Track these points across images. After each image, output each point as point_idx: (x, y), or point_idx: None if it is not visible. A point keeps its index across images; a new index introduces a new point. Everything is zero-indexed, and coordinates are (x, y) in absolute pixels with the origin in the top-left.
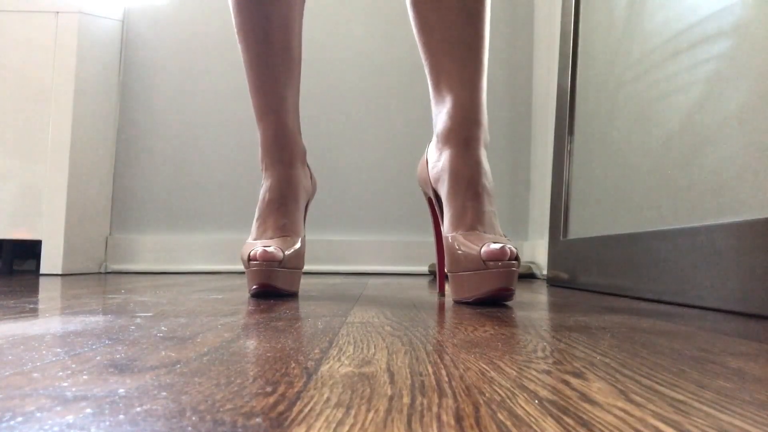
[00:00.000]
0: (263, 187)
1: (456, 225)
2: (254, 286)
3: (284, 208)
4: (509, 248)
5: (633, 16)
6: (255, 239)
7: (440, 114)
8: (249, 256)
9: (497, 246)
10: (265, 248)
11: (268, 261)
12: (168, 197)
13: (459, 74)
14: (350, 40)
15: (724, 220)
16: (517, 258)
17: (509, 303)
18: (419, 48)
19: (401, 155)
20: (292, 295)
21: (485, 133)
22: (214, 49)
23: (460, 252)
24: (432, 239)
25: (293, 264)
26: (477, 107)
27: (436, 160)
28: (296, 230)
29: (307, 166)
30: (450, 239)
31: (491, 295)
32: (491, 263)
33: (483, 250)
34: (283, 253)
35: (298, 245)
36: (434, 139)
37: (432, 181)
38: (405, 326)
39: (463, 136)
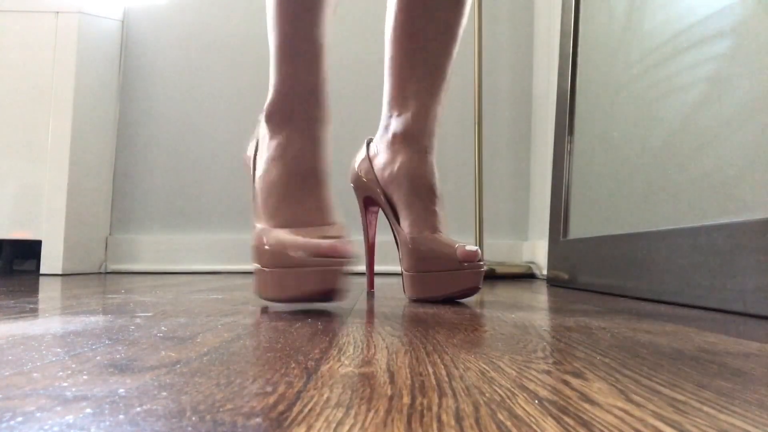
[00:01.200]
0: (277, 149)
1: (421, 227)
2: (313, 290)
3: (325, 183)
4: (479, 250)
5: (633, 16)
6: (286, 225)
7: (400, 117)
8: (312, 249)
9: (473, 248)
10: (337, 240)
11: (340, 258)
12: (168, 197)
13: (429, 83)
14: (350, 40)
15: (724, 220)
16: (482, 259)
17: (520, 301)
18: (390, 47)
19: None
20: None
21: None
22: (214, 49)
23: (433, 252)
24: None
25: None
26: (437, 117)
27: (389, 162)
28: (336, 215)
29: None
30: (417, 240)
31: (465, 292)
32: (467, 264)
33: (460, 251)
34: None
35: (348, 234)
36: (385, 139)
37: (381, 182)
38: (405, 326)
39: (424, 143)
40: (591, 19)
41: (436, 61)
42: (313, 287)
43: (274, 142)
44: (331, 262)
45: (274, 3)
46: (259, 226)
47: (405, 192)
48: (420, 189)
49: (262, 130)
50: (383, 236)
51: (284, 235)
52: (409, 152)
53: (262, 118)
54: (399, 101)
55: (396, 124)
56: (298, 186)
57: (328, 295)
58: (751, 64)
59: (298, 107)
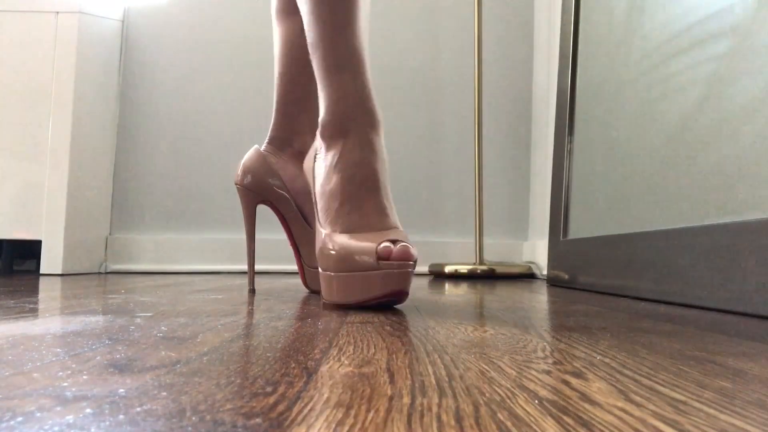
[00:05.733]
0: (334, 159)
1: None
2: (385, 293)
3: (383, 188)
4: (407, 248)
5: (633, 16)
6: (347, 231)
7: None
8: (379, 253)
9: (396, 245)
10: (402, 244)
11: (406, 261)
12: (168, 197)
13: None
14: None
15: (724, 220)
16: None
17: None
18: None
19: (401, 156)
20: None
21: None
22: (215, 48)
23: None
24: (433, 239)
25: None
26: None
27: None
28: (397, 219)
29: None
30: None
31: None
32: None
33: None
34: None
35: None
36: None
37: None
38: (405, 326)
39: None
40: (591, 19)
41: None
42: (381, 290)
43: (330, 154)
44: (400, 265)
45: (311, 25)
46: (323, 231)
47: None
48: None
49: (317, 142)
50: None
51: (348, 240)
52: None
53: (317, 131)
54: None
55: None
56: (357, 192)
57: (393, 296)
58: (751, 63)
59: (349, 118)
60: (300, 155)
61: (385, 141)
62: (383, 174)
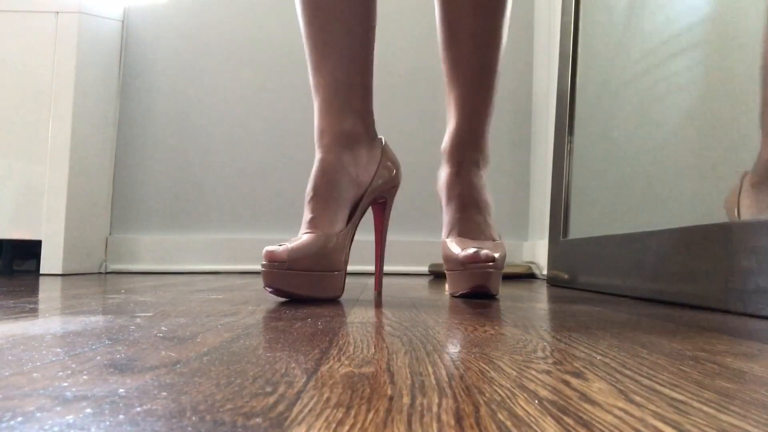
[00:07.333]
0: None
1: (447, 232)
2: (470, 287)
3: (317, 199)
4: (485, 252)
5: (633, 16)
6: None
7: (445, 135)
8: (466, 257)
9: (471, 251)
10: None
11: (269, 262)
12: (168, 197)
13: (464, 104)
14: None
15: (724, 220)
16: (492, 260)
17: (525, 301)
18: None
19: (402, 157)
20: (312, 300)
21: (482, 155)
22: (214, 48)
23: (446, 254)
24: (432, 239)
25: (305, 265)
26: (476, 133)
27: (441, 176)
28: (326, 225)
29: (382, 148)
30: (443, 243)
31: (470, 291)
32: (469, 265)
33: (462, 254)
34: (287, 254)
35: (318, 243)
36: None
37: (437, 193)
38: (405, 326)
39: (457, 158)
40: (591, 19)
41: (472, 83)
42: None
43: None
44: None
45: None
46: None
47: (443, 202)
48: (450, 199)
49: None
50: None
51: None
52: (448, 166)
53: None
54: (448, 120)
55: (444, 142)
56: (306, 202)
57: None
58: (751, 63)
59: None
60: None
61: (386, 141)
62: (342, 179)
